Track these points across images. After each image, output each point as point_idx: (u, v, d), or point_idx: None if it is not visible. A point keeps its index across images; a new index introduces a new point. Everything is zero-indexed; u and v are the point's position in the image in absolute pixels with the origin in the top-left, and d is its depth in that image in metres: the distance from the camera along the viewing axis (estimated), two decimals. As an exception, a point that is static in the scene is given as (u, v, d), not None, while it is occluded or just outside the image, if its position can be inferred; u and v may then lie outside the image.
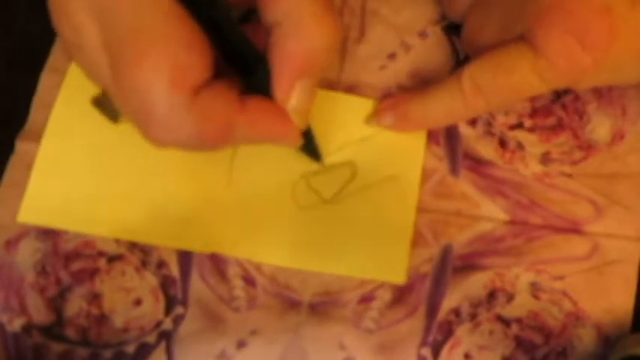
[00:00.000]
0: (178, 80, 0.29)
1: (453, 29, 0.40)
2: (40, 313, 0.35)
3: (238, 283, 0.36)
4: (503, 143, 0.38)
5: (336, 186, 0.37)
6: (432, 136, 0.38)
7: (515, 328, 0.36)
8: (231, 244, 0.36)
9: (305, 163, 0.37)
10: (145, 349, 0.35)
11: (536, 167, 0.38)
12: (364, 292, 0.36)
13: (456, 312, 0.36)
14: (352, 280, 0.36)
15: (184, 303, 0.36)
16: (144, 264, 0.36)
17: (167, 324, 0.36)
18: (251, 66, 0.32)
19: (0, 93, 0.39)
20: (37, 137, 0.37)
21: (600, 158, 0.38)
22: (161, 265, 0.36)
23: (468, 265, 0.37)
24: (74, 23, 0.30)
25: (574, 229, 0.37)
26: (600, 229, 0.37)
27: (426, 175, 0.38)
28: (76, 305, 0.35)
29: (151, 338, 0.35)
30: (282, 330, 0.36)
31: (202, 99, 0.30)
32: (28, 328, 0.35)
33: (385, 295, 0.36)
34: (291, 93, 0.32)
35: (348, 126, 0.38)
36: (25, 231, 0.36)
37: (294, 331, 0.36)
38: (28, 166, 0.37)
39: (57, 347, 0.35)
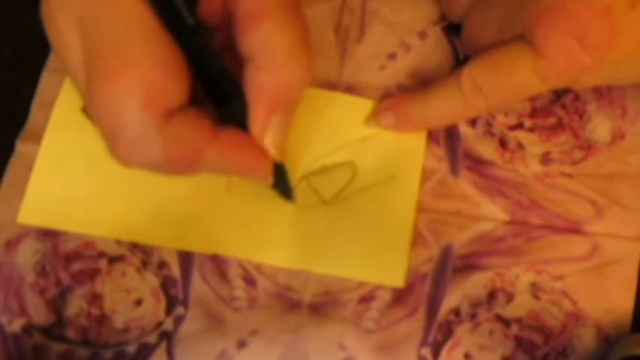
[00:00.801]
0: (151, 101, 0.28)
1: (452, 29, 0.40)
2: (39, 314, 0.35)
3: (239, 284, 0.36)
4: (503, 143, 0.38)
5: (336, 186, 0.37)
6: (432, 136, 0.38)
7: (515, 328, 0.36)
8: (232, 244, 0.36)
9: (305, 164, 0.37)
10: (145, 350, 0.35)
11: (536, 167, 0.38)
12: (364, 292, 0.36)
13: (456, 312, 0.36)
14: (352, 281, 0.36)
15: (185, 303, 0.36)
16: (145, 264, 0.36)
17: (168, 324, 0.36)
18: (228, 96, 0.32)
19: (0, 93, 0.39)
20: (37, 138, 0.37)
21: (600, 158, 0.38)
22: (162, 265, 0.36)
23: (468, 265, 0.37)
24: (62, 37, 0.30)
25: (574, 229, 0.37)
26: (600, 229, 0.37)
27: (426, 175, 0.38)
28: (76, 306, 0.35)
29: (151, 338, 0.35)
30: (282, 330, 0.36)
31: (174, 123, 0.29)
32: (27, 329, 0.35)
33: (385, 295, 0.36)
34: (267, 127, 0.32)
35: (348, 126, 0.38)
36: (26, 232, 0.36)
37: (294, 332, 0.36)
38: (29, 167, 0.37)
39: (57, 347, 0.35)
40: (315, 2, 0.40)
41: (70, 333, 0.35)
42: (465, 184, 0.38)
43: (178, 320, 0.36)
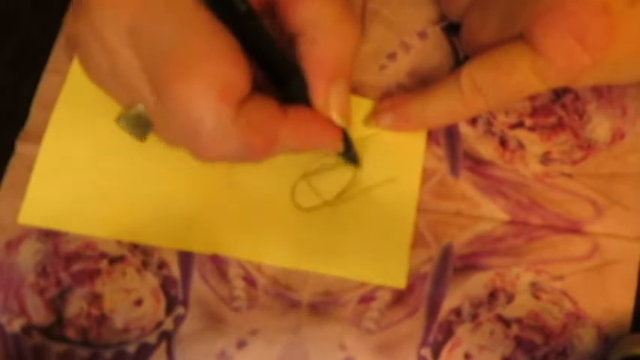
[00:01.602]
0: (225, 94, 0.30)
1: (452, 29, 0.40)
2: (39, 314, 0.35)
3: (239, 284, 0.36)
4: (503, 143, 0.38)
5: (336, 186, 0.37)
6: (432, 136, 0.38)
7: (515, 328, 0.36)
8: (232, 244, 0.36)
9: (305, 164, 0.37)
10: (145, 350, 0.35)
11: (536, 167, 0.38)
12: (364, 293, 0.36)
13: (457, 312, 0.36)
14: (352, 281, 0.36)
15: (185, 303, 0.36)
16: (145, 265, 0.36)
17: (168, 324, 0.36)
18: (286, 76, 0.33)
19: (0, 94, 0.39)
20: (37, 138, 0.37)
21: (600, 158, 0.38)
22: (162, 265, 0.36)
23: (468, 265, 0.37)
24: (108, 48, 0.30)
25: (574, 229, 0.37)
26: (600, 229, 0.37)
27: (426, 175, 0.38)
28: (76, 306, 0.35)
29: (151, 338, 0.35)
30: (282, 330, 0.36)
31: (247, 111, 0.31)
32: (27, 329, 0.35)
33: (385, 296, 0.36)
34: (329, 97, 0.33)
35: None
36: (26, 232, 0.36)
37: (294, 332, 0.36)
38: (29, 168, 0.37)
39: (57, 348, 0.35)
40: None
41: (70, 333, 0.35)
42: (465, 184, 0.38)
43: (178, 320, 0.36)
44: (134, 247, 0.36)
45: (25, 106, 0.38)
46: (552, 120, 0.39)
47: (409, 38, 0.40)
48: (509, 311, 0.36)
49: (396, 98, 0.38)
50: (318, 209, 0.37)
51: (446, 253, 0.37)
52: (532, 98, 0.39)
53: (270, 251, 0.36)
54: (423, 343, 0.36)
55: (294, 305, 0.36)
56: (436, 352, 0.36)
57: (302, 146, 0.34)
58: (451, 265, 0.37)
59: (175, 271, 0.36)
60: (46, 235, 0.36)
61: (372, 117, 0.38)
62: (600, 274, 0.37)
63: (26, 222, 0.36)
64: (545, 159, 0.38)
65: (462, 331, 0.36)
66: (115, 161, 0.37)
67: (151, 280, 0.36)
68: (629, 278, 0.37)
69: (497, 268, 0.37)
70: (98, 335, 0.35)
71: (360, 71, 0.39)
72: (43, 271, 0.36)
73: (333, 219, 0.37)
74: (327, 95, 0.33)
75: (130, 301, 0.36)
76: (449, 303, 0.36)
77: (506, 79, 0.34)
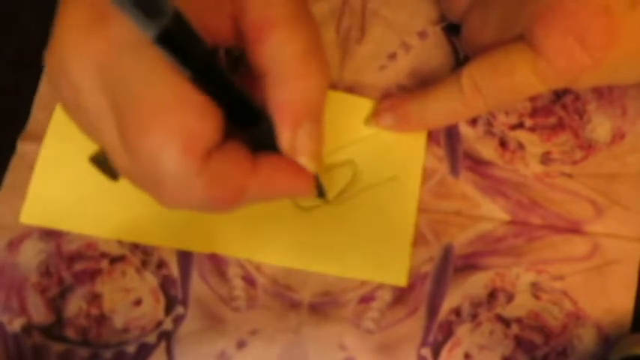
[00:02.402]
0: (189, 146, 0.28)
1: (452, 29, 0.40)
2: (39, 313, 0.35)
3: (238, 284, 0.36)
4: (503, 143, 0.38)
5: (337, 186, 0.37)
6: (432, 137, 0.38)
7: (515, 328, 0.36)
8: (232, 244, 0.36)
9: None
10: (145, 349, 0.35)
11: (536, 167, 0.38)
12: (364, 292, 0.36)
13: (457, 312, 0.36)
14: (352, 281, 0.36)
15: (184, 303, 0.36)
16: (144, 264, 0.36)
17: (167, 324, 0.36)
18: (253, 120, 0.30)
19: (1, 93, 0.39)
20: (38, 138, 0.37)
21: (600, 158, 0.38)
22: (161, 265, 0.36)
23: (468, 265, 0.37)
24: (74, 84, 0.29)
25: (574, 229, 0.37)
26: (600, 229, 0.37)
27: (426, 175, 0.38)
28: (76, 305, 0.36)
29: (151, 338, 0.35)
30: (282, 330, 0.36)
31: (213, 163, 0.28)
32: (28, 329, 0.35)
33: (385, 296, 0.36)
34: (296, 141, 0.30)
35: (348, 126, 0.38)
36: (28, 231, 0.36)
37: (294, 332, 0.36)
38: (30, 167, 0.37)
39: (57, 347, 0.35)
40: (316, 2, 0.40)
41: (70, 333, 0.35)
42: (465, 184, 0.38)
43: (178, 320, 0.36)
44: (135, 246, 0.36)
45: (25, 106, 0.38)
46: (552, 120, 0.39)
47: (409, 38, 0.40)
48: (509, 311, 0.36)
49: (396, 98, 0.38)
50: (317, 209, 0.37)
51: (446, 253, 0.37)
52: (532, 99, 0.39)
53: (270, 250, 0.36)
54: (423, 343, 0.36)
55: (294, 305, 0.36)
56: (436, 352, 0.36)
57: (272, 197, 0.32)
58: (451, 265, 0.37)
59: (174, 270, 0.36)
60: (48, 234, 0.36)
61: (372, 117, 0.38)
62: (600, 274, 0.37)
63: (27, 221, 0.36)
64: (546, 159, 0.38)
65: (462, 330, 0.36)
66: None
67: (150, 280, 0.36)
68: (629, 278, 0.37)
69: (498, 268, 0.37)
70: (98, 335, 0.35)
71: (360, 71, 0.39)
72: (46, 271, 0.36)
73: (333, 218, 0.37)
74: (294, 139, 0.30)
75: (129, 301, 0.36)
76: (449, 303, 0.36)
77: (506, 80, 0.33)
